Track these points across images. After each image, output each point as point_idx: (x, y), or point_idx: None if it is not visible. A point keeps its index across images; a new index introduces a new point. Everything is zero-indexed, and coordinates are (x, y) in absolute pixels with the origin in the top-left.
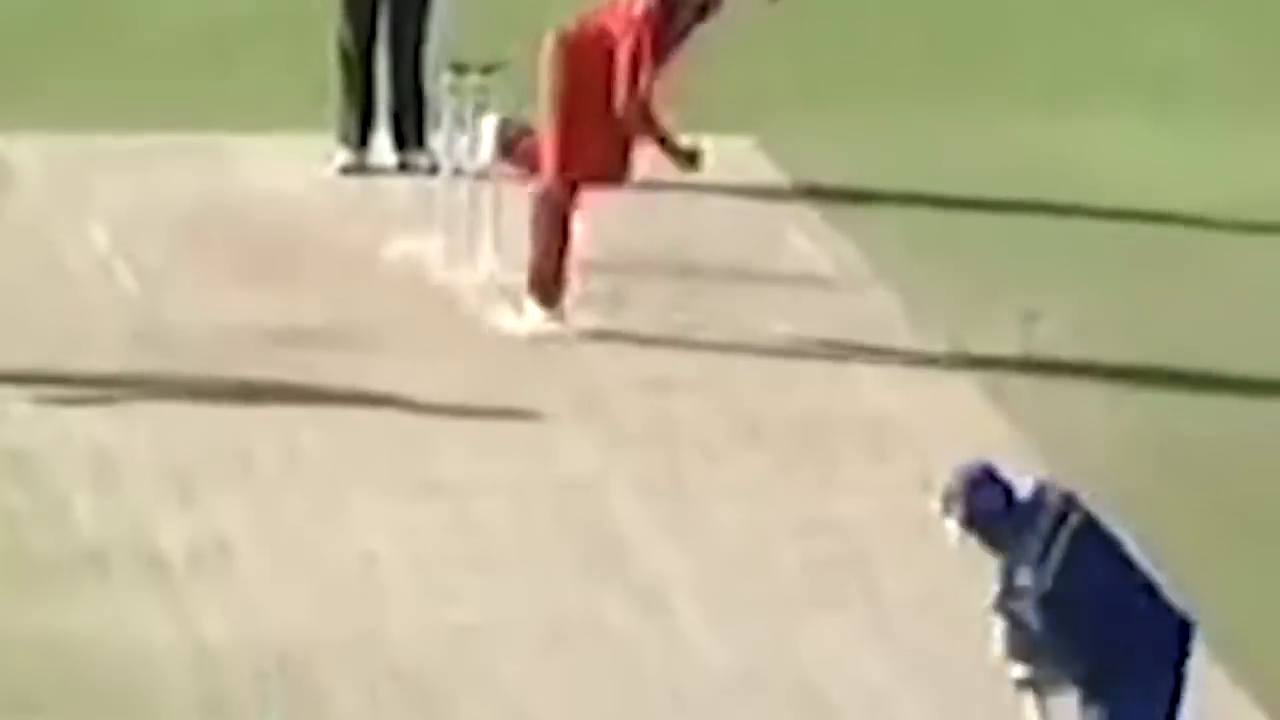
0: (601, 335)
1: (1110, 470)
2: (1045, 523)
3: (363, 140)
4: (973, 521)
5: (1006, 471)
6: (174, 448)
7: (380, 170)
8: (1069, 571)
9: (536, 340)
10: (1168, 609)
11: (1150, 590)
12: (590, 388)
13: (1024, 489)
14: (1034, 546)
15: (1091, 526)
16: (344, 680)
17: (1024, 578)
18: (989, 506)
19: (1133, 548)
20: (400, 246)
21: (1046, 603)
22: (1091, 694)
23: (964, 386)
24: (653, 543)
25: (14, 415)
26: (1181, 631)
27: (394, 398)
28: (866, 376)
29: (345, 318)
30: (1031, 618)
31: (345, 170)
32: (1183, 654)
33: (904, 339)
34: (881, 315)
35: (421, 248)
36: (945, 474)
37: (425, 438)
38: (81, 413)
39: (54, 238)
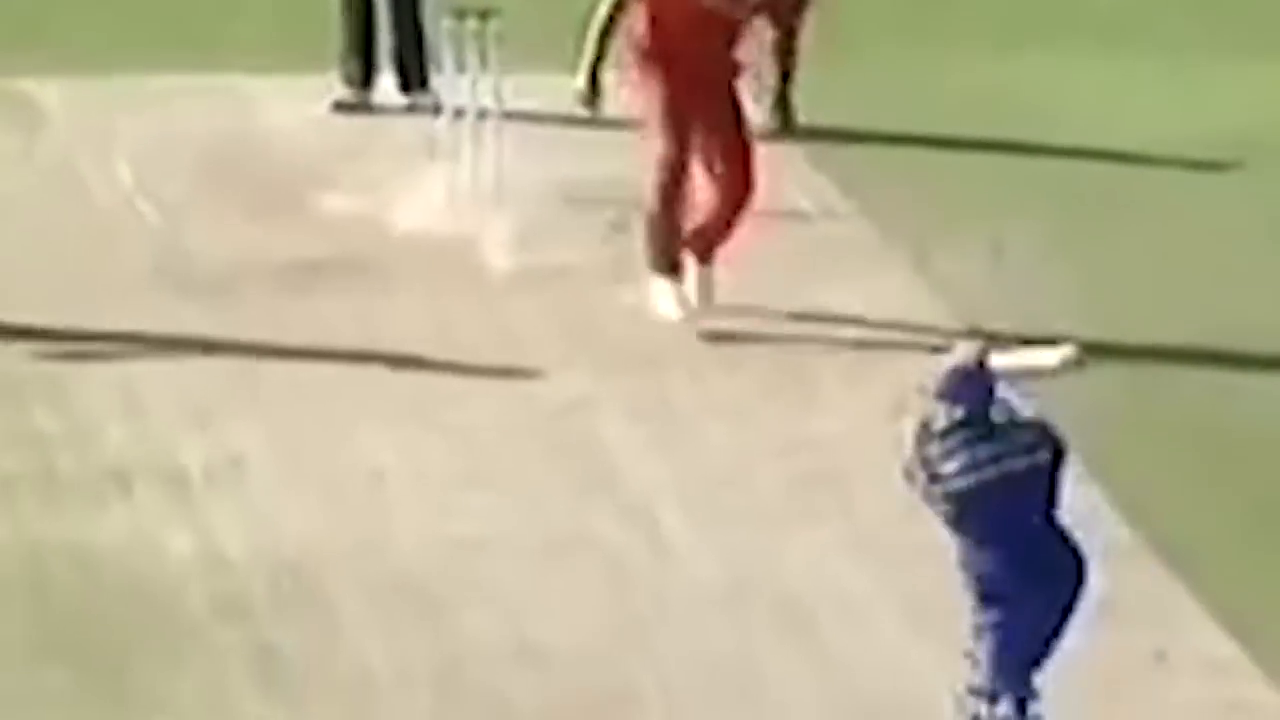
0: (595, 265)
1: (1067, 389)
2: (1004, 444)
3: (366, 81)
4: (950, 397)
5: (1004, 388)
6: (191, 372)
7: (386, 110)
8: (990, 498)
9: (530, 274)
10: (1074, 553)
11: (1062, 536)
12: (582, 317)
13: (1008, 406)
14: (980, 453)
15: (1037, 470)
16: (351, 588)
17: (949, 467)
18: (971, 393)
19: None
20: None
21: (954, 499)
22: (981, 601)
23: (935, 313)
24: (641, 461)
25: (44, 342)
26: (1078, 578)
27: (397, 328)
28: (843, 304)
29: (350, 252)
30: (936, 497)
31: (339, 106)
32: (1075, 597)
33: (878, 268)
34: (858, 246)
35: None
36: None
37: (427, 366)
38: (107, 339)
39: (81, 174)
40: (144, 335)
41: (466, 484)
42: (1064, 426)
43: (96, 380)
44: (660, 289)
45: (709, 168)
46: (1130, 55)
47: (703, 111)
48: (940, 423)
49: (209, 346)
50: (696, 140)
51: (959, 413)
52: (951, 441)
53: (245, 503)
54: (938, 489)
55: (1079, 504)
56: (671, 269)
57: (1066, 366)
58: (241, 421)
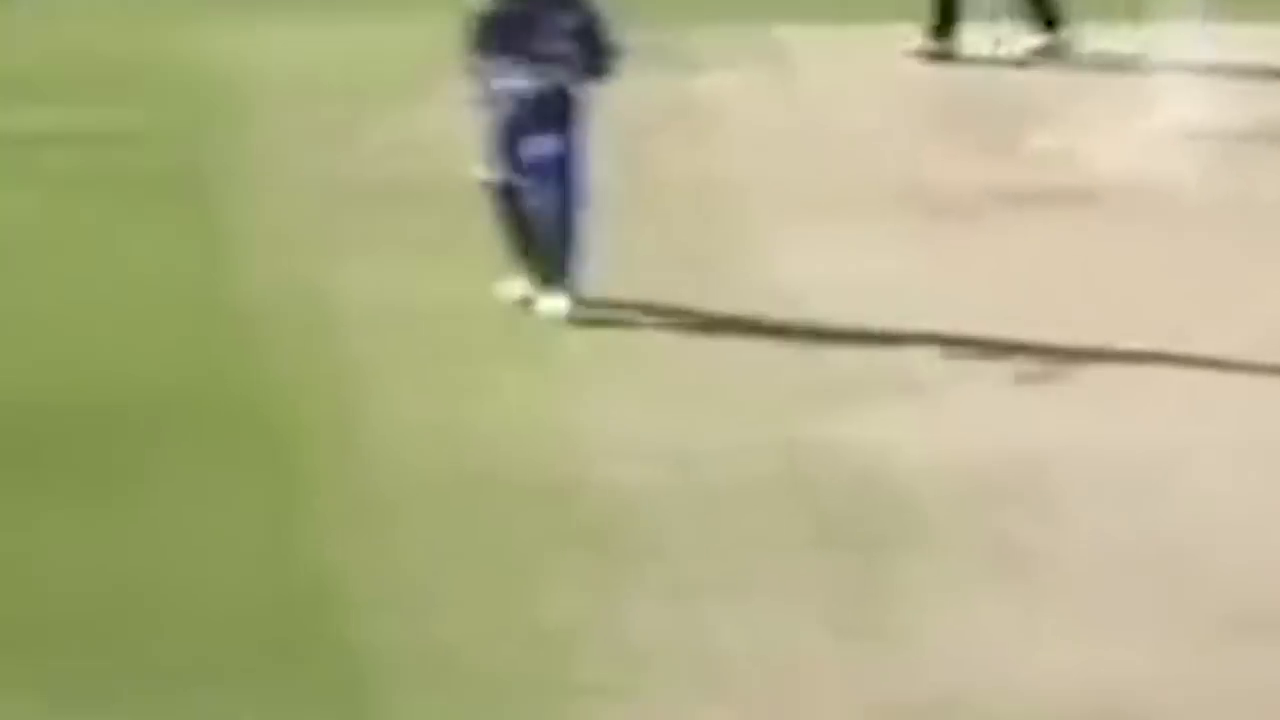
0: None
1: None
2: None
3: (946, 31)
4: None
5: None
6: (928, 286)
7: (1089, 60)
8: None
9: (1227, 209)
10: None
11: None
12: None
13: None
14: None
15: None
16: (1077, 483)
17: None
18: None
19: None
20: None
21: None
22: None
23: None
24: None
25: (801, 260)
26: None
27: (1113, 255)
28: None
29: (1062, 181)
30: None
31: (919, 54)
32: None
33: None
34: None
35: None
36: None
37: (1137, 289)
38: (848, 257)
39: (829, 112)
40: (891, 253)
41: None
42: None
43: (829, 295)
44: None
45: None
46: None
47: None
48: None
49: (951, 273)
50: None
51: None
52: None
53: (980, 405)
54: None
55: None
56: None
57: None
58: (974, 326)
